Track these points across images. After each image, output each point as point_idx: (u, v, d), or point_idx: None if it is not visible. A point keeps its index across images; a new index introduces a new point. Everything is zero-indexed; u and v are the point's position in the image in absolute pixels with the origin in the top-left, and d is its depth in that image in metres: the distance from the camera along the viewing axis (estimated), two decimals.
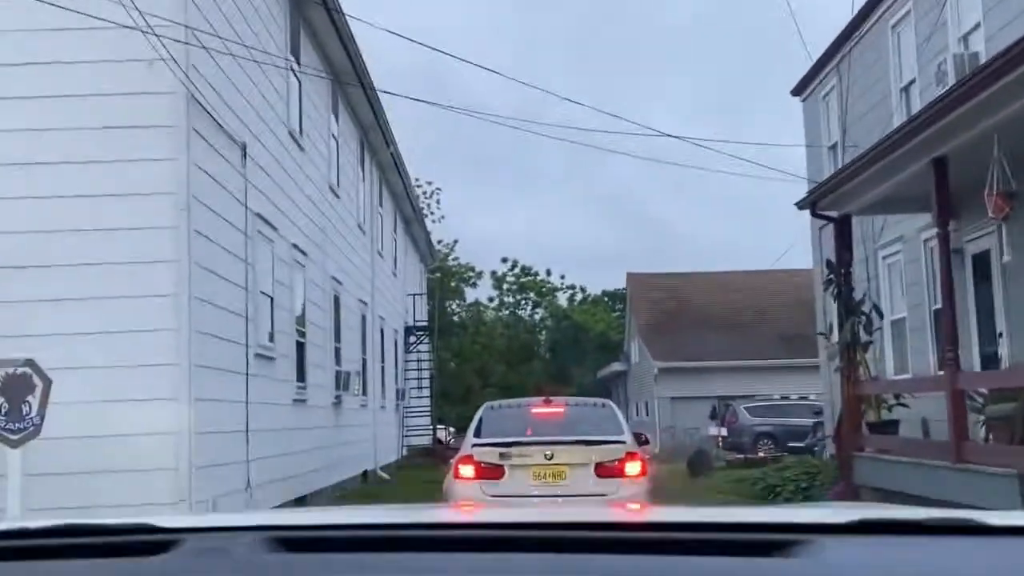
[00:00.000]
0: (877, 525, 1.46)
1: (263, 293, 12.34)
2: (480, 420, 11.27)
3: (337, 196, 18.20)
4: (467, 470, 10.27)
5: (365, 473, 20.71)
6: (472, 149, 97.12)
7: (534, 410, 11.47)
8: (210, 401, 9.87)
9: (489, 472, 10.15)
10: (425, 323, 31.56)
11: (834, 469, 15.14)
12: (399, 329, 28.59)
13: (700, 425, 40.40)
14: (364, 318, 21.25)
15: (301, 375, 14.53)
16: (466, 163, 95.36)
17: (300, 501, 14.27)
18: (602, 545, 1.34)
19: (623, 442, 10.48)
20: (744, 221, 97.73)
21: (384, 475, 22.26)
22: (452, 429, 45.40)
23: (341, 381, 17.24)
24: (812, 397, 39.03)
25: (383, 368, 24.26)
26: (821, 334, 13.17)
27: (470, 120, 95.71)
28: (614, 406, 11.85)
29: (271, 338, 12.65)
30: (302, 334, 14.60)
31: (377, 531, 1.46)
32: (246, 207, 11.55)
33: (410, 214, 30.13)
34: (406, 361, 29.62)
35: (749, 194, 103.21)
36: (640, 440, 11.20)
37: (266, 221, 12.52)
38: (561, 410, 11.54)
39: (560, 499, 9.69)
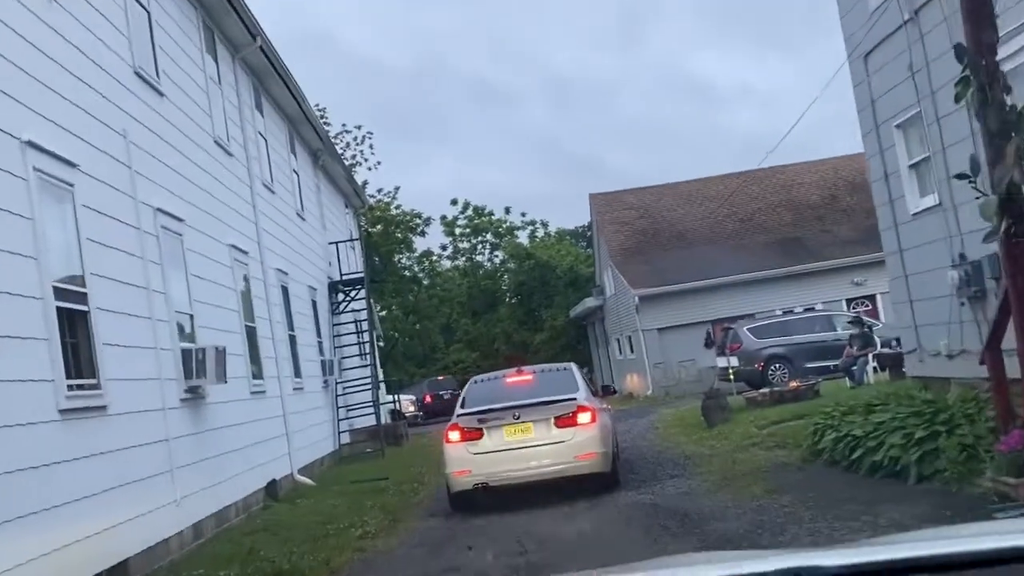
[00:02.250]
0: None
1: None
2: (465, 393, 13.67)
3: (159, 93, 12.23)
4: (455, 435, 12.44)
5: (273, 484, 14.94)
6: (389, 110, 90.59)
7: (508, 380, 13.63)
8: None
9: (471, 435, 12.31)
10: (359, 275, 25.61)
11: (976, 406, 9.55)
12: (319, 287, 22.72)
13: (695, 356, 34.98)
14: (245, 274, 15.37)
15: (85, 367, 8.67)
16: (387, 124, 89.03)
17: None
18: None
19: (575, 398, 12.56)
20: (708, 128, 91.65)
21: (305, 480, 16.51)
22: (412, 398, 39.76)
23: (195, 364, 11.39)
24: (819, 307, 33.68)
25: (293, 338, 18.42)
26: (963, 176, 7.41)
27: (382, 79, 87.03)
28: (574, 367, 14.02)
29: None
30: (75, 297, 8.68)
31: None
32: None
33: (317, 144, 24.13)
34: (335, 326, 23.77)
35: (706, 106, 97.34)
36: (607, 390, 14.59)
37: None
38: (529, 377, 13.58)
39: (527, 449, 12.14)
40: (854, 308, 34.35)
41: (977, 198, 7.49)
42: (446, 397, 37.80)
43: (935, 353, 12.70)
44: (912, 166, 12.68)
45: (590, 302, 43.93)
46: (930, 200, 12.13)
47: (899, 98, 12.36)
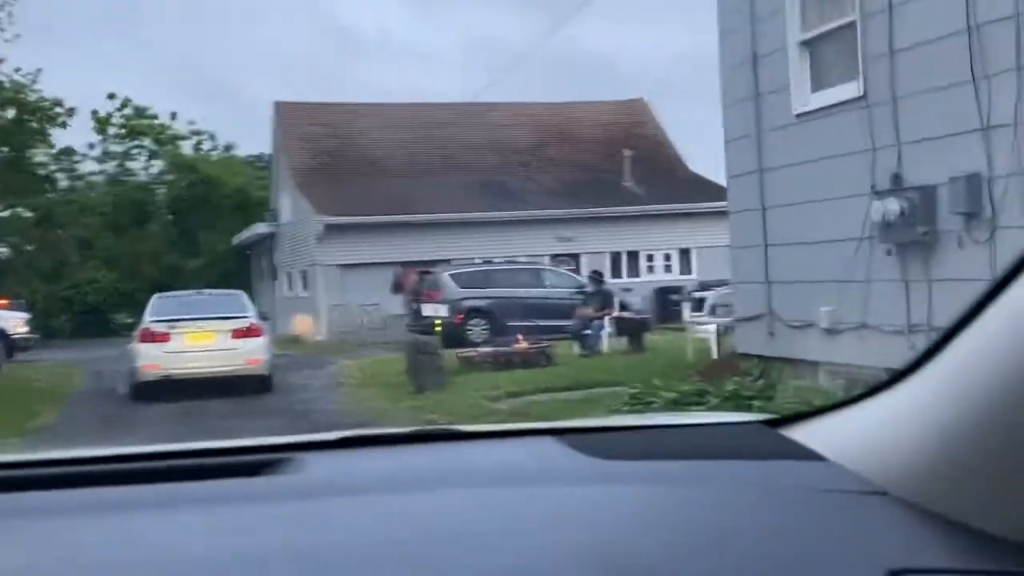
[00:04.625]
0: (361, 439, 1.53)
1: None
2: (153, 304, 16.65)
3: None
4: (146, 337, 15.39)
5: None
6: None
7: (190, 298, 17.65)
8: None
9: (161, 338, 15.28)
10: None
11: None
12: None
13: (380, 300, 30.34)
14: None
15: None
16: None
17: None
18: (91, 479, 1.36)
19: (247, 317, 16.23)
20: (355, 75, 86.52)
21: None
22: (24, 317, 32.45)
23: None
24: (523, 260, 29.91)
25: None
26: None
27: None
28: (243, 294, 18.29)
29: None
30: None
31: None
32: None
33: None
34: None
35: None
36: (263, 317, 17.34)
37: None
38: (208, 298, 17.62)
39: (208, 352, 15.34)
40: (557, 265, 31.03)
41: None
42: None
43: (802, 324, 8.68)
44: (807, 42, 8.55)
45: (261, 228, 38.20)
46: (844, 92, 8.03)
47: None
